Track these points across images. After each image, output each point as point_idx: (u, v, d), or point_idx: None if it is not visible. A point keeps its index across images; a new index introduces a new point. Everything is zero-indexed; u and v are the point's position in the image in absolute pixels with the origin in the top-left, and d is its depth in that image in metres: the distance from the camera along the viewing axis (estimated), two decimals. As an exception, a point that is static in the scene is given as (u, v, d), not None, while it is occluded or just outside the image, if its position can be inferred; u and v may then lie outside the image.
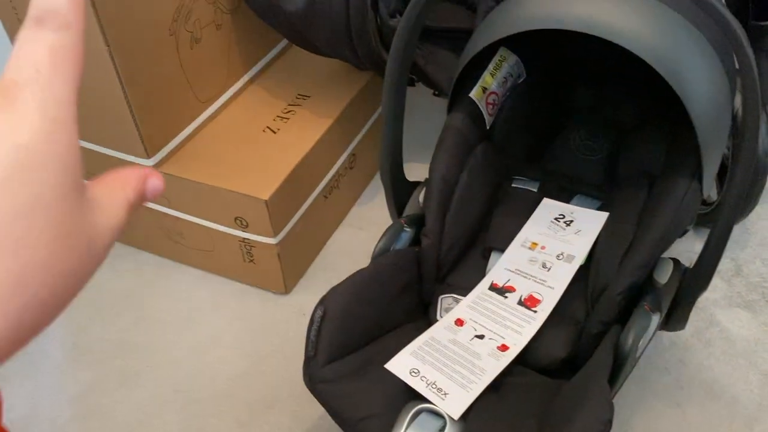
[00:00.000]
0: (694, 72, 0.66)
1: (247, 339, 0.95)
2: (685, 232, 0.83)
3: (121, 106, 0.85)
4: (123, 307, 1.00)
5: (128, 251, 1.07)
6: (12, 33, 0.88)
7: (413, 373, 0.65)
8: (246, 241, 0.94)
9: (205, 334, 0.96)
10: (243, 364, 0.92)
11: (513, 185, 0.88)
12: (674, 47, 0.65)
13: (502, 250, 0.81)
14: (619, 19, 0.65)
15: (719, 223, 0.65)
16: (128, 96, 0.84)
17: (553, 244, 0.79)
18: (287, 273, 0.97)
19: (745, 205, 0.95)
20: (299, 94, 1.04)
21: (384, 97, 0.75)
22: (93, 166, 0.96)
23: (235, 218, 0.92)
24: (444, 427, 0.62)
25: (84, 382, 0.91)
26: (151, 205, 0.97)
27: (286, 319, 0.97)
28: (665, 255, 0.74)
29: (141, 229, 1.03)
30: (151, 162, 0.91)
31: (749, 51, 0.56)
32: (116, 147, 0.92)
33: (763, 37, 0.90)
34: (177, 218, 0.97)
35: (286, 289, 0.99)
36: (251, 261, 0.97)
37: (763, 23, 0.89)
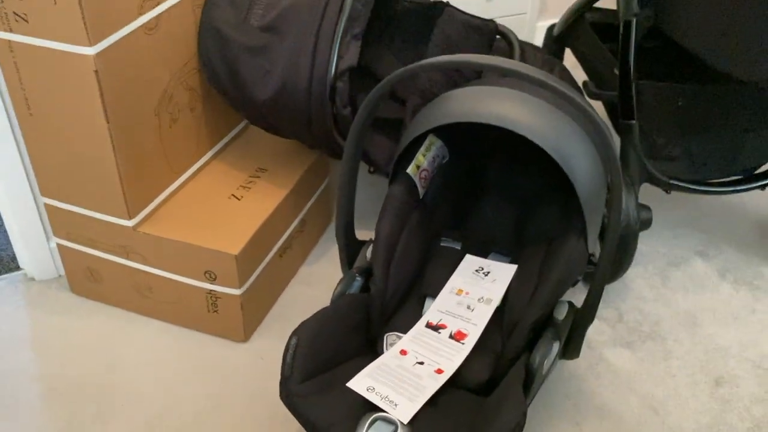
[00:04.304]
0: (578, 157, 0.89)
1: (211, 381, 1.07)
2: (576, 282, 1.05)
3: (112, 174, 0.99)
4: (94, 355, 1.10)
5: (98, 306, 1.18)
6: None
7: (369, 390, 0.81)
8: (212, 292, 1.08)
9: (172, 378, 1.07)
10: (208, 402, 1.03)
11: (441, 244, 1.07)
12: (564, 139, 0.88)
13: (434, 296, 0.99)
14: (523, 117, 0.88)
15: (598, 273, 0.86)
16: (119, 165, 0.99)
17: (475, 290, 0.98)
18: (248, 321, 1.11)
19: (618, 265, 1.18)
20: (258, 168, 1.21)
21: (342, 171, 0.93)
22: (78, 228, 1.08)
23: (205, 272, 1.06)
24: (396, 431, 0.78)
25: (62, 420, 0.99)
26: (126, 262, 1.10)
27: (246, 363, 1.10)
28: (563, 299, 0.94)
29: (113, 285, 1.15)
30: (131, 223, 1.05)
31: (613, 150, 0.78)
32: (102, 210, 1.05)
33: (630, 132, 1.16)
34: (149, 273, 1.10)
35: (246, 336, 1.12)
36: (215, 311, 1.10)
37: (629, 122, 1.15)
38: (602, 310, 1.21)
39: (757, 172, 1.26)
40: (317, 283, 1.25)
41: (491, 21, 1.24)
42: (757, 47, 1.00)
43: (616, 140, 1.15)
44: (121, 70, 0.95)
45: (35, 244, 1.19)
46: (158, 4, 0.99)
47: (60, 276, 1.23)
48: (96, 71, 0.91)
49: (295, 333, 0.82)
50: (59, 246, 1.15)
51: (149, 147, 1.05)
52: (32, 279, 1.23)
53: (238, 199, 1.13)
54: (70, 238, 1.12)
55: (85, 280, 1.17)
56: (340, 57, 1.02)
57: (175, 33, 1.04)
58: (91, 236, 1.09)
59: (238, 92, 1.08)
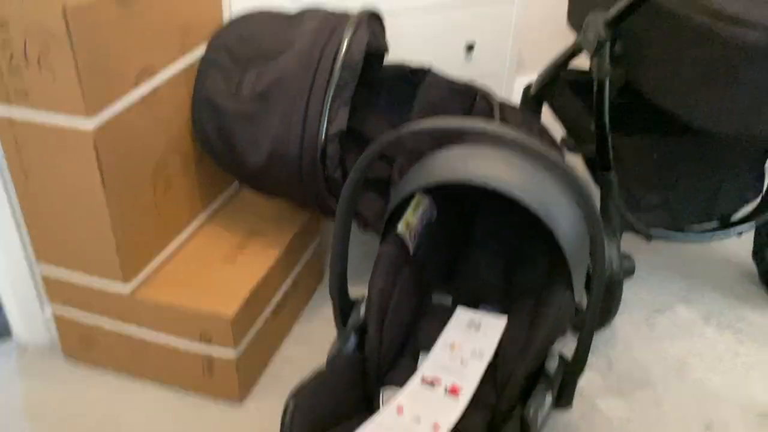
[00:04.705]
0: (560, 213, 0.92)
1: (207, 444, 1.07)
2: (565, 332, 1.07)
3: (109, 241, 1.01)
4: (89, 422, 1.09)
5: (92, 372, 1.18)
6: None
7: (368, 448, 0.82)
8: (208, 355, 1.08)
9: (168, 442, 1.07)
10: (205, 466, 1.03)
11: (433, 300, 1.10)
12: (546, 196, 0.92)
13: (428, 351, 1.01)
14: (506, 176, 0.91)
15: (586, 323, 0.89)
16: (115, 233, 1.01)
17: (467, 344, 1.00)
18: (243, 382, 1.12)
19: (605, 314, 1.21)
20: (251, 229, 1.23)
21: (335, 233, 0.96)
22: (73, 294, 1.09)
23: (201, 334, 1.07)
24: (396, 489, 0.78)
25: (57, 491, 0.99)
26: (122, 326, 1.11)
27: (242, 425, 1.10)
28: (553, 349, 0.96)
29: (108, 350, 1.15)
30: (127, 288, 1.06)
31: (593, 205, 0.81)
32: (98, 275, 1.06)
33: (609, 185, 1.21)
34: (144, 337, 1.10)
35: (241, 397, 1.13)
36: (210, 373, 1.11)
37: (607, 174, 1.20)
38: (592, 359, 1.23)
39: (733, 220, 1.31)
40: (311, 341, 1.26)
41: (472, 85, 1.30)
42: (720, 102, 1.05)
43: (596, 192, 1.19)
44: (119, 141, 0.98)
45: (29, 312, 1.20)
46: (153, 75, 1.03)
47: (53, 343, 1.23)
48: (94, 142, 0.94)
49: (292, 396, 0.83)
50: (54, 312, 1.16)
51: (144, 213, 1.07)
52: (25, 347, 1.23)
53: (232, 262, 1.15)
54: (66, 304, 1.13)
55: (80, 345, 1.17)
56: (329, 122, 1.06)
57: (170, 103, 1.08)
58: (87, 301, 1.11)
59: (231, 158, 1.11)
